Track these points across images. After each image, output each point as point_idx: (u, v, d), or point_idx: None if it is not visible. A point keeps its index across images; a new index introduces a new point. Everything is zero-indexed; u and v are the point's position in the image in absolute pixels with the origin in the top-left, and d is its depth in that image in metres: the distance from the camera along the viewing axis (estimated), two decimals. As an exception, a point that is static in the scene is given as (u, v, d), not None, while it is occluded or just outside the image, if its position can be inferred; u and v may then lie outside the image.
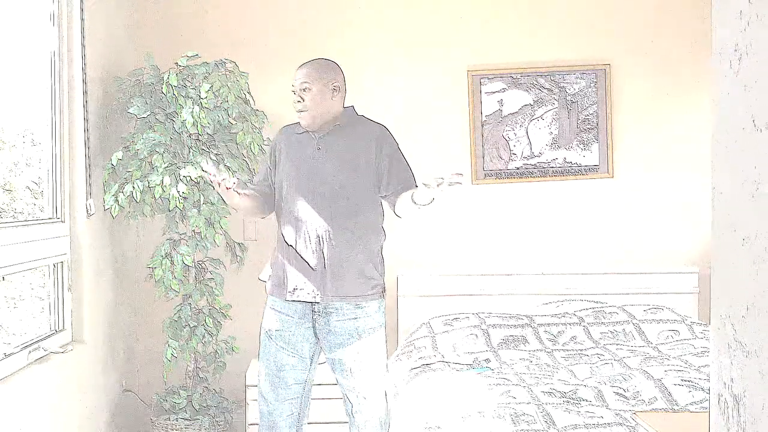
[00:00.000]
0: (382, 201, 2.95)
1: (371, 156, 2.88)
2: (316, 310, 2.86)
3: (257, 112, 3.78)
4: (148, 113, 3.57)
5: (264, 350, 2.95)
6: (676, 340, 3.68)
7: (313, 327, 2.89)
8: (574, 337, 3.72)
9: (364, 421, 2.93)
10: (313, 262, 2.83)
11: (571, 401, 2.85)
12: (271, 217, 3.07)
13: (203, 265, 3.77)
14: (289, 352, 2.90)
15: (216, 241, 3.64)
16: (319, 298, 2.83)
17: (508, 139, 4.22)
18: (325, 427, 3.61)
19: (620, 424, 2.59)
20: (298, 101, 2.85)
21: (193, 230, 3.63)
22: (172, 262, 3.58)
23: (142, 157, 3.49)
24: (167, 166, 3.50)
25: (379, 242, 2.94)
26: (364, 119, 2.99)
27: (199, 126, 3.50)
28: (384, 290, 2.94)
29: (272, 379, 2.92)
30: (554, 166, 4.22)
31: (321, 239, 2.82)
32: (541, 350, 3.61)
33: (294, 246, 2.87)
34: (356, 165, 2.87)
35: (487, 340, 3.66)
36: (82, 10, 3.31)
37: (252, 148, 3.67)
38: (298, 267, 2.86)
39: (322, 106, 2.86)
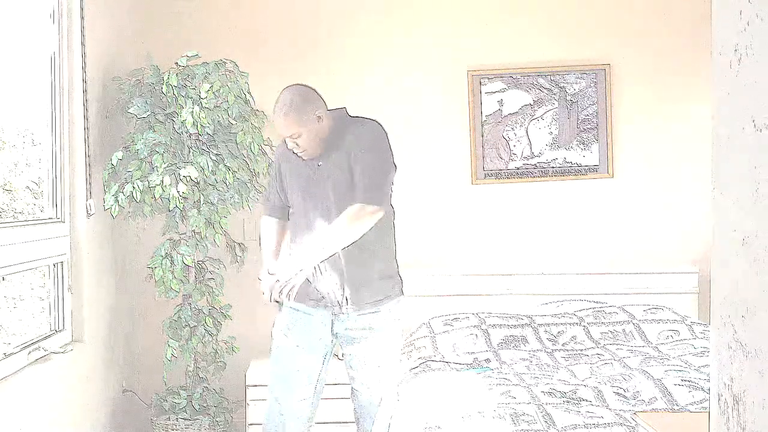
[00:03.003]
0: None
1: (346, 162, 2.82)
2: (335, 312, 2.89)
3: (257, 112, 3.78)
4: (148, 113, 3.57)
5: (278, 350, 2.94)
6: (676, 340, 3.67)
7: (332, 323, 2.91)
8: (574, 337, 3.72)
9: (374, 415, 2.94)
10: (331, 277, 2.84)
11: (571, 401, 2.85)
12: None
13: (203, 265, 3.77)
14: (305, 351, 2.90)
15: (216, 241, 3.64)
16: (343, 309, 2.86)
17: (508, 139, 4.22)
18: (327, 427, 3.61)
19: (620, 424, 2.59)
20: (294, 146, 2.82)
21: (193, 230, 3.63)
22: (172, 262, 3.58)
23: (142, 157, 3.49)
24: (167, 166, 3.50)
25: (392, 238, 2.97)
26: (351, 121, 2.91)
27: (199, 126, 3.50)
28: (402, 286, 2.98)
29: (287, 379, 2.92)
30: (554, 166, 4.22)
31: (336, 254, 2.82)
32: (541, 350, 3.61)
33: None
34: (344, 174, 2.82)
35: (487, 340, 3.66)
36: (82, 9, 3.32)
37: (252, 148, 3.67)
38: (317, 280, 2.87)
39: (316, 138, 2.82)
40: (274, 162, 3.09)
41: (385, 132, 2.90)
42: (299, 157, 2.87)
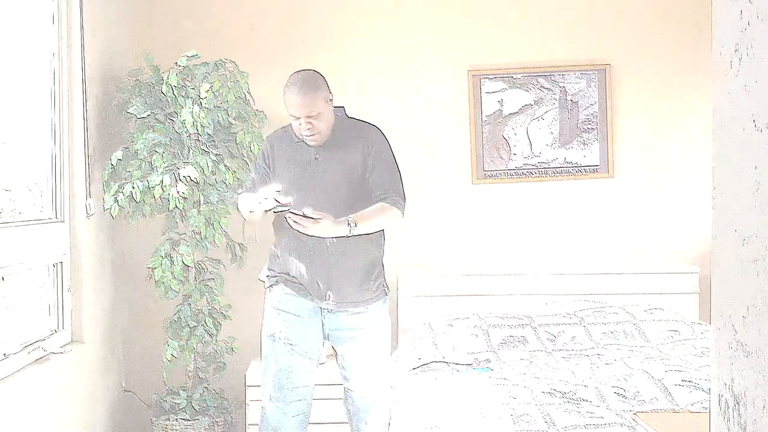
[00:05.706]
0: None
1: (361, 161, 2.85)
2: (324, 307, 2.89)
3: (257, 112, 3.78)
4: (148, 113, 3.57)
5: (269, 353, 2.93)
6: (677, 340, 3.67)
7: (322, 324, 2.91)
8: (574, 337, 3.72)
9: (367, 416, 2.94)
10: (316, 271, 2.85)
11: (572, 401, 2.85)
12: (269, 217, 3.04)
13: (203, 265, 3.77)
14: (297, 353, 2.90)
15: (216, 241, 3.64)
16: (325, 305, 2.87)
17: (508, 139, 4.22)
18: (326, 427, 3.61)
19: (620, 424, 2.59)
20: (309, 128, 2.78)
21: (193, 230, 3.63)
22: (172, 262, 3.58)
23: (142, 157, 3.49)
24: (167, 166, 3.50)
25: (381, 245, 2.96)
26: (355, 122, 2.96)
27: (199, 126, 3.50)
28: (387, 288, 2.99)
29: (281, 381, 2.90)
30: (554, 166, 4.22)
31: (324, 249, 2.82)
32: (541, 350, 3.61)
33: (297, 256, 2.87)
34: (352, 172, 2.84)
35: (488, 340, 3.66)
36: (81, 10, 3.31)
37: (252, 148, 3.67)
38: (301, 274, 2.87)
39: (328, 124, 2.84)
40: (261, 151, 3.06)
41: None
42: (305, 143, 2.84)
